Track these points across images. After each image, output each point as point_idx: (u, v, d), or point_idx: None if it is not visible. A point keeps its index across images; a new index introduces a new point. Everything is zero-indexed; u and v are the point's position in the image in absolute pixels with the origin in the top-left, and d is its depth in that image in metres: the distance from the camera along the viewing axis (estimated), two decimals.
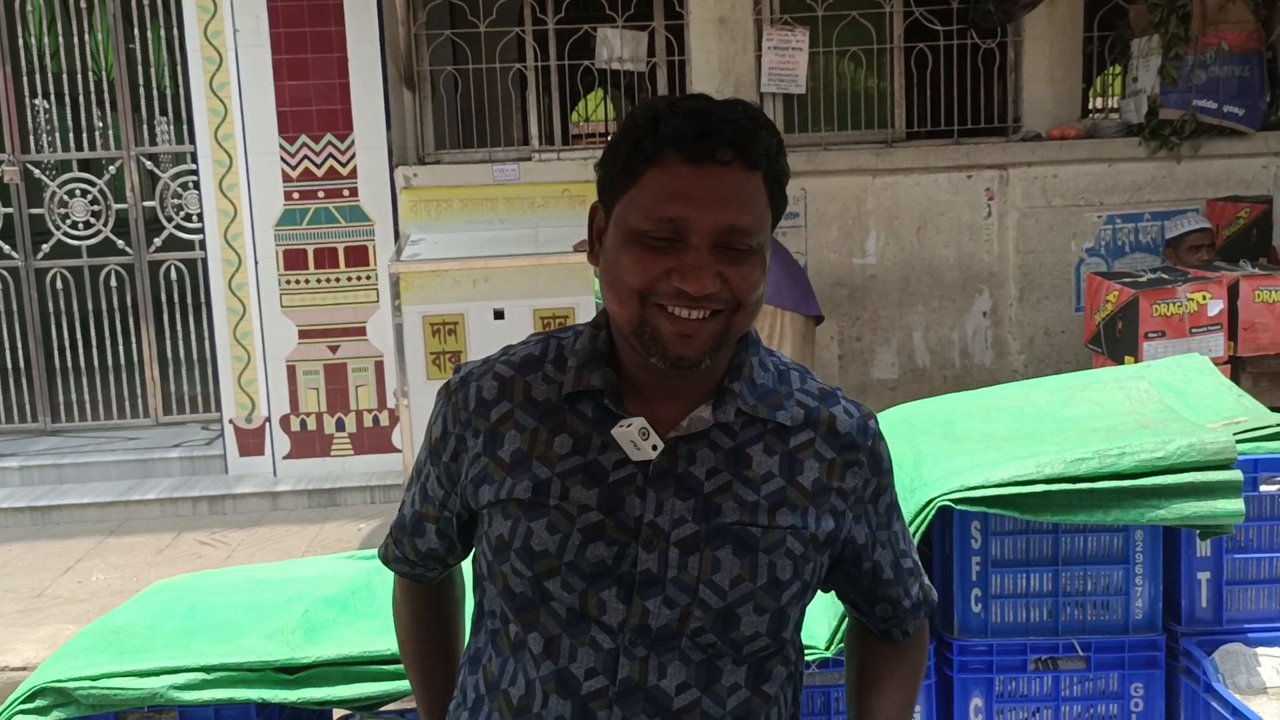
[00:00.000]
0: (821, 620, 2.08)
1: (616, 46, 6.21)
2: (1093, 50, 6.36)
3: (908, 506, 2.03)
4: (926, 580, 1.47)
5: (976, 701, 2.08)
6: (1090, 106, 6.99)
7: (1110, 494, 1.92)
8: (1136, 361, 4.06)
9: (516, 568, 1.29)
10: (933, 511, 1.97)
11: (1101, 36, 6.29)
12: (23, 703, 2.04)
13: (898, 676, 1.46)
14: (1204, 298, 4.09)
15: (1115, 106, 7.01)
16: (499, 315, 5.17)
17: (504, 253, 5.47)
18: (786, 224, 6.05)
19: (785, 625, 1.30)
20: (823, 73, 6.35)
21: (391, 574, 1.53)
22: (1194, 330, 4.08)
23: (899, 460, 2.21)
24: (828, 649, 2.02)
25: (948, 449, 2.16)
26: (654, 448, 1.27)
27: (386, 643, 2.10)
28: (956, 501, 1.96)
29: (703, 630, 1.26)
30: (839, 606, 2.03)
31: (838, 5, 6.13)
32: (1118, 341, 4.29)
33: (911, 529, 1.98)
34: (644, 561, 1.26)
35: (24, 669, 3.88)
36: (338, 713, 2.33)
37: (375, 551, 1.90)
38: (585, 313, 5.27)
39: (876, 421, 1.40)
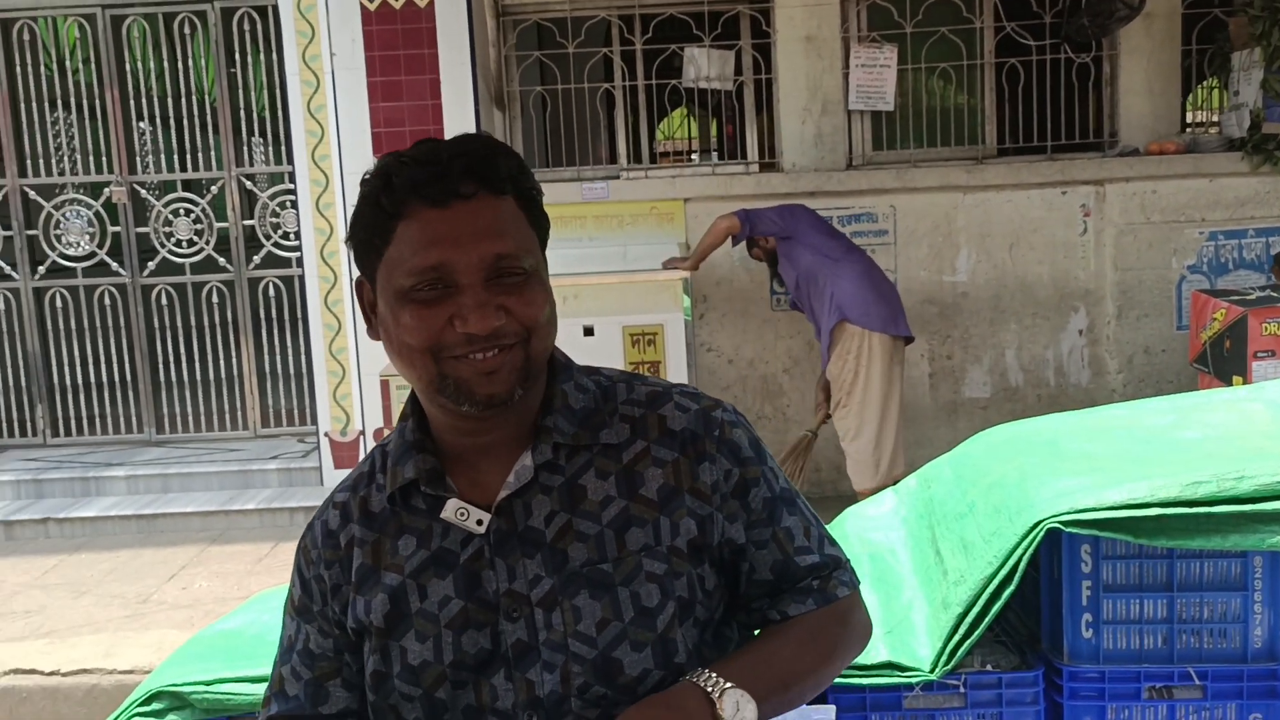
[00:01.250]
0: (925, 641, 2.05)
1: (703, 66, 6.23)
2: (1191, 64, 6.21)
3: (1014, 526, 2.00)
4: (842, 575, 1.34)
5: None
6: (1188, 120, 6.82)
7: (1229, 519, 1.86)
8: (1245, 381, 3.95)
9: (405, 692, 1.24)
10: (1041, 533, 1.93)
11: (1200, 49, 6.14)
12: (140, 705, 2.10)
13: (788, 633, 1.29)
14: None
15: (1215, 120, 6.83)
16: (589, 332, 5.21)
17: (593, 270, 5.52)
18: (875, 241, 6.01)
19: (675, 651, 1.23)
20: (911, 89, 6.30)
21: None
22: None
23: (1002, 480, 2.18)
24: (932, 671, 1.99)
25: (1054, 469, 2.12)
26: (478, 522, 1.24)
27: None
28: (1066, 524, 1.92)
29: (588, 685, 1.20)
30: (946, 624, 2.00)
31: (927, 22, 6.08)
32: (1225, 360, 4.17)
33: (1020, 551, 1.94)
34: (512, 633, 1.22)
35: (131, 672, 4.00)
36: None
37: None
38: (674, 330, 5.29)
39: (728, 410, 1.32)
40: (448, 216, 1.18)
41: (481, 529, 1.23)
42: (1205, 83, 6.96)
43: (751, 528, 1.29)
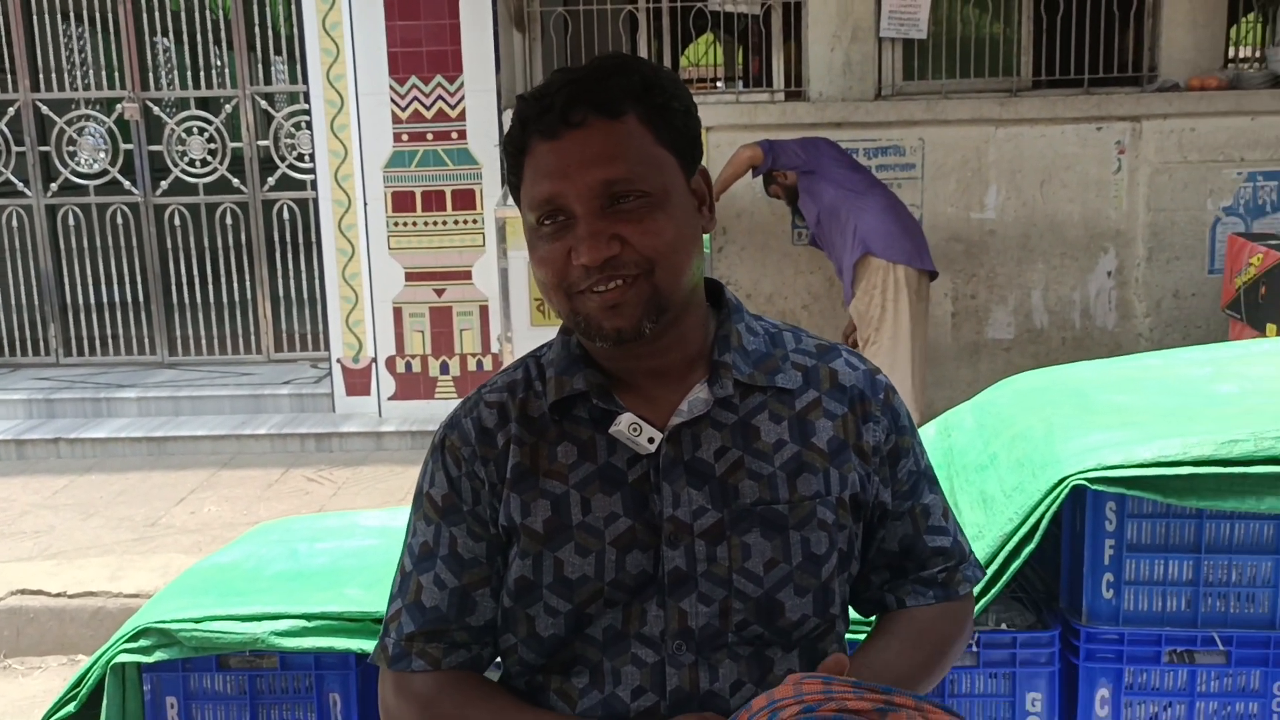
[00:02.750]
0: None
1: None
2: None
3: (1037, 482, 1.91)
4: (966, 570, 1.34)
5: (1103, 692, 1.96)
6: (1230, 55, 6.57)
7: (1266, 480, 1.76)
8: None
9: (551, 605, 1.21)
10: (1066, 490, 1.84)
11: None
12: (126, 641, 2.05)
13: (902, 633, 1.31)
14: None
15: (1259, 56, 6.59)
16: None
17: None
18: (902, 175, 5.85)
19: (831, 601, 1.23)
20: (945, 17, 6.08)
21: None
22: None
23: (1027, 432, 2.08)
24: None
25: (1082, 422, 2.02)
26: (650, 440, 1.20)
27: None
28: (1094, 481, 1.82)
29: (747, 623, 1.19)
30: None
31: None
32: (1259, 308, 4.03)
33: (1043, 508, 1.86)
34: (671, 560, 1.19)
35: (137, 596, 3.99)
36: None
37: None
38: None
39: (886, 378, 1.32)
40: (558, 148, 1.16)
41: (652, 448, 1.21)
42: (1248, 16, 6.70)
43: (894, 498, 1.30)
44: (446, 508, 1.28)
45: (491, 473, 1.26)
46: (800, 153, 4.95)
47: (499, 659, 1.32)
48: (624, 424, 1.21)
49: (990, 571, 1.89)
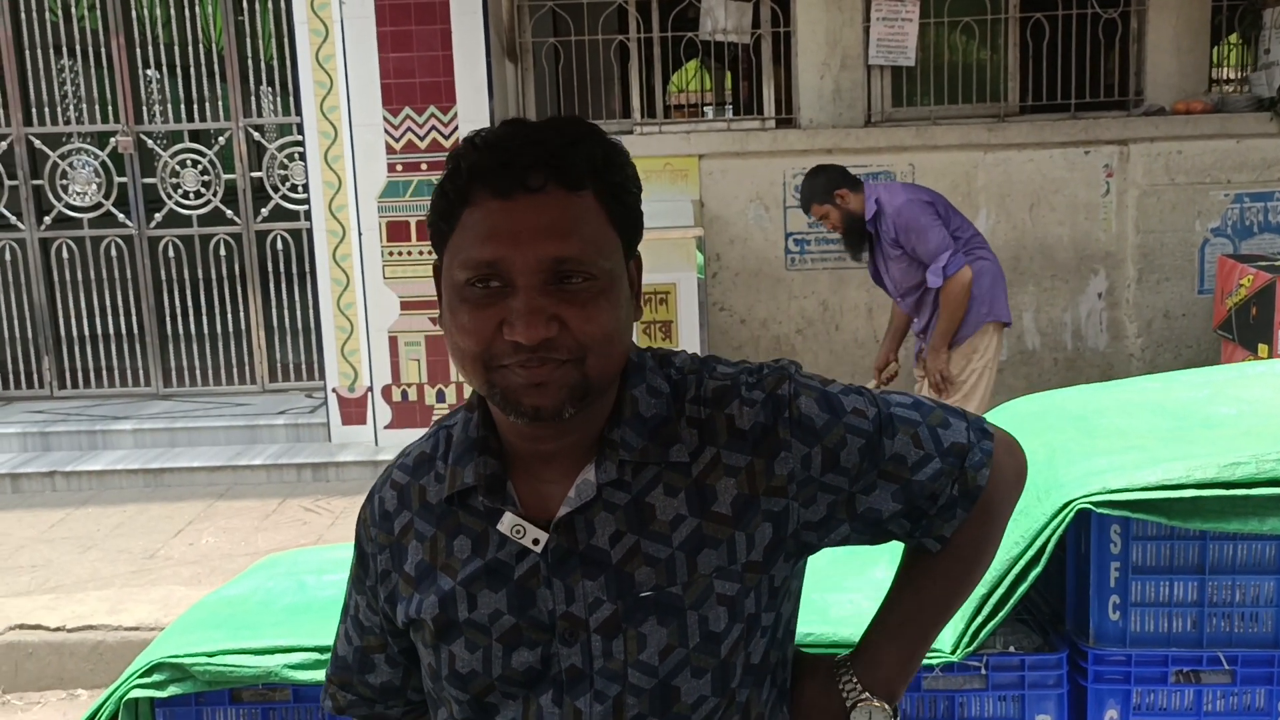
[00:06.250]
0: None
1: (720, 18, 6.10)
2: (1221, 20, 6.06)
3: (1042, 506, 1.93)
4: (973, 458, 1.21)
5: (1112, 714, 1.97)
6: (1214, 78, 6.66)
7: (1268, 502, 1.79)
8: (1271, 349, 3.86)
9: (452, 694, 1.21)
10: (1071, 513, 1.86)
11: (1230, 5, 5.98)
12: (140, 676, 2.06)
13: (932, 569, 1.27)
14: None
15: (1243, 78, 6.68)
16: None
17: None
18: None
19: (732, 676, 1.17)
20: (933, 44, 6.16)
21: None
22: None
23: (1029, 457, 2.10)
24: (953, 653, 1.93)
25: (1084, 447, 2.04)
26: (535, 541, 1.15)
27: None
28: (1098, 505, 1.85)
29: (642, 716, 1.15)
30: (969, 605, 1.94)
31: None
32: (1251, 328, 4.08)
33: (1048, 532, 1.88)
34: (567, 658, 1.15)
35: (137, 629, 3.98)
36: None
37: None
38: (687, 289, 5.21)
39: (791, 375, 1.20)
40: (510, 209, 1.07)
41: (538, 548, 1.16)
42: (1227, 39, 6.80)
43: (855, 481, 1.19)
44: (356, 577, 1.31)
45: (386, 560, 1.25)
46: (944, 233, 4.30)
47: None
48: (507, 525, 1.16)
49: (997, 595, 1.91)
